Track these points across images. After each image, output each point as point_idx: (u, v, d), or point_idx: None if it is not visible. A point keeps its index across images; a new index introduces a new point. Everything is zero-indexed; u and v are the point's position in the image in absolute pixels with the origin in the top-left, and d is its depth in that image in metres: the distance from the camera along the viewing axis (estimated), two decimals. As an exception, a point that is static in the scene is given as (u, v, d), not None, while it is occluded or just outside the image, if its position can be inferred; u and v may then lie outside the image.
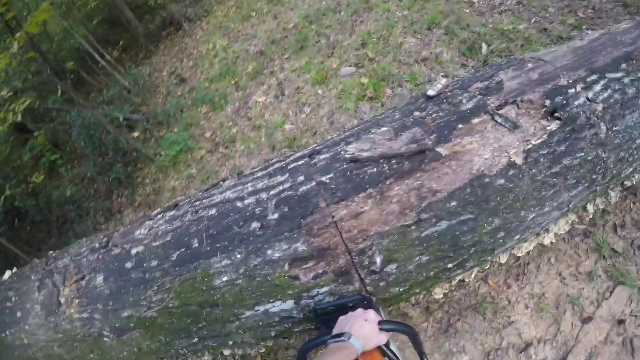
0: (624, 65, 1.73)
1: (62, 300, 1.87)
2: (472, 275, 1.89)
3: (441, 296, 2.01)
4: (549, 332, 2.25)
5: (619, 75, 1.70)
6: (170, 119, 5.58)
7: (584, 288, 2.36)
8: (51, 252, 2.20)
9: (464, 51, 3.93)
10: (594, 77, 1.66)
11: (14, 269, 2.35)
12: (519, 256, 2.51)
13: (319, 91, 4.37)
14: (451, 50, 4.03)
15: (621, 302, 2.24)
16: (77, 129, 4.73)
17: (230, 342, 1.74)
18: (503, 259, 1.84)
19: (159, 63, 7.64)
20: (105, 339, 1.77)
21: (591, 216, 2.33)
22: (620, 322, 2.17)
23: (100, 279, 1.73)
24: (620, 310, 2.22)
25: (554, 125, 1.49)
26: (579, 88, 1.60)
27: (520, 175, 1.43)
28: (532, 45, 3.80)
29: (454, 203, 1.40)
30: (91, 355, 1.86)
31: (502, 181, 1.42)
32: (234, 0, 9.87)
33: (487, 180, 1.42)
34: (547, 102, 1.53)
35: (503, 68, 1.76)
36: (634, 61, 1.76)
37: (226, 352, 1.91)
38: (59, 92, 5.00)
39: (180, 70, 6.91)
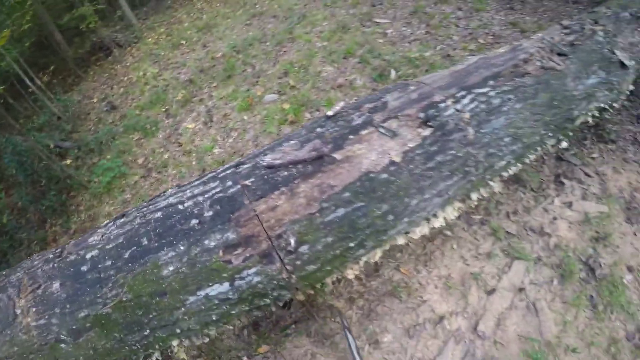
0: (491, 82, 2.37)
1: (18, 311, 2.04)
2: (377, 257, 2.33)
3: (353, 277, 2.43)
4: (458, 305, 2.67)
5: (485, 90, 2.32)
6: (102, 146, 5.64)
7: (484, 266, 2.85)
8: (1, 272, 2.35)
9: (374, 77, 4.51)
10: (463, 93, 2.24)
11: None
12: (425, 245, 3.02)
13: (245, 117, 4.72)
14: (364, 77, 4.59)
15: (519, 273, 2.78)
16: (9, 156, 4.70)
17: (178, 330, 2.04)
18: (400, 240, 2.30)
19: (88, 89, 7.63)
20: (62, 344, 1.96)
21: (476, 204, 2.90)
22: (521, 289, 2.68)
23: (56, 285, 1.96)
24: (520, 281, 2.74)
25: (427, 132, 2.02)
26: (449, 102, 2.16)
27: (400, 171, 1.93)
28: (436, 70, 4.45)
29: (347, 194, 1.87)
30: (47, 365, 2.00)
31: (385, 175, 1.91)
32: (165, 27, 10.06)
33: (373, 175, 1.90)
34: (422, 115, 2.07)
35: (390, 91, 2.29)
36: (502, 78, 2.39)
37: (174, 342, 2.19)
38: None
39: (110, 97, 6.97)
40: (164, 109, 5.84)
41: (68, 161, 5.66)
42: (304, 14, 6.76)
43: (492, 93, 2.29)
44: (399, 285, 2.85)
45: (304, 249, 1.86)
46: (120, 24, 9.85)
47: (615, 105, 3.42)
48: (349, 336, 2.46)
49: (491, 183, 2.48)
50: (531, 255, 2.88)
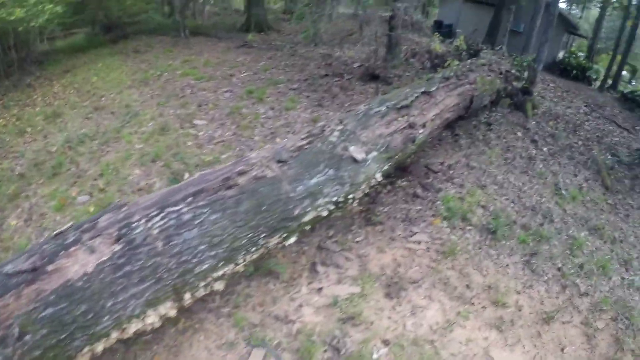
0: (189, 199, 3.11)
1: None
2: (101, 347, 2.80)
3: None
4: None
5: (178, 207, 3.08)
6: None
7: (226, 355, 3.33)
8: None
9: (170, 181, 5.24)
10: (156, 212, 3.03)
11: None
12: (177, 337, 3.46)
13: (58, 217, 5.13)
14: (162, 181, 5.33)
15: (258, 360, 3.29)
16: None
17: None
18: (114, 335, 2.82)
19: None
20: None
21: (226, 298, 3.56)
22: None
23: None
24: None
25: (118, 247, 2.91)
26: (142, 221, 3.03)
27: (93, 279, 2.74)
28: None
29: (54, 297, 2.65)
30: None
31: (81, 283, 2.73)
32: (18, 109, 10.16)
33: (73, 283, 2.71)
34: (116, 233, 2.96)
35: (105, 212, 3.15)
36: (203, 193, 3.16)
37: None
38: None
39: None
40: (-6, 202, 5.89)
41: None
42: (137, 113, 7.61)
43: (184, 209, 3.03)
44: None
45: (27, 337, 2.56)
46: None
47: (354, 197, 4.05)
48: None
49: (201, 283, 3.04)
50: (272, 342, 3.41)
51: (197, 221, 3.01)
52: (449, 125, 7.16)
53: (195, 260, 2.99)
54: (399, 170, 5.89)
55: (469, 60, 8.18)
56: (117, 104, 8.39)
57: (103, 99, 9.09)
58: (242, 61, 11.02)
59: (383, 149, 4.48)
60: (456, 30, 16.84)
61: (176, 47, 12.92)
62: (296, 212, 3.49)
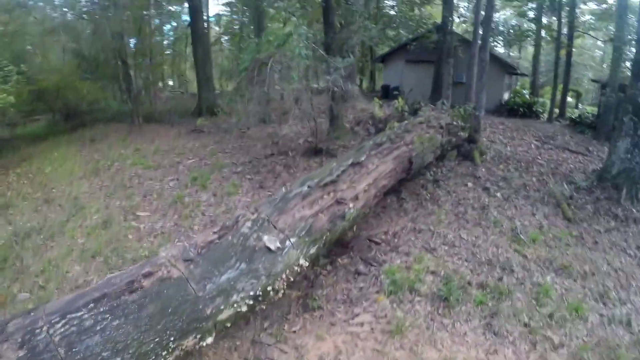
0: (91, 305, 2.97)
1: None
2: None
3: None
4: None
5: (80, 314, 2.91)
6: None
7: None
8: None
9: (107, 275, 5.62)
10: (58, 318, 2.87)
11: None
12: None
13: None
14: (100, 277, 5.47)
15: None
16: None
17: None
18: None
19: None
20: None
21: None
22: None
23: None
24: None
25: (22, 353, 2.79)
26: (45, 327, 2.95)
27: None
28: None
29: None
30: None
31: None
32: None
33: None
34: (20, 339, 2.93)
35: (16, 316, 3.15)
36: (105, 299, 3.14)
37: None
38: None
39: None
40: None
41: None
42: (83, 206, 8.07)
43: (85, 315, 2.93)
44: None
45: None
46: None
47: (275, 288, 3.84)
48: None
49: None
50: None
51: (99, 327, 2.97)
52: (393, 190, 7.06)
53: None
54: (339, 247, 5.85)
55: (405, 122, 8.18)
56: (66, 196, 8.81)
57: (54, 190, 9.50)
58: (190, 147, 11.81)
59: (304, 232, 4.34)
60: (404, 90, 17.76)
61: (130, 135, 13.68)
62: (208, 311, 3.38)
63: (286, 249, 4.12)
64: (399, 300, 4.79)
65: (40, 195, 9.47)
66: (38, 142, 14.76)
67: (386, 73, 24.10)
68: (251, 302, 3.70)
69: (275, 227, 4.20)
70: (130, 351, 3.01)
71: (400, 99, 11.17)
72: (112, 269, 5.85)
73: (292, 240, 4.21)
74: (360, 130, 12.35)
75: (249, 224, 4.14)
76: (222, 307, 3.48)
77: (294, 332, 4.38)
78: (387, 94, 19.03)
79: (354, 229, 5.96)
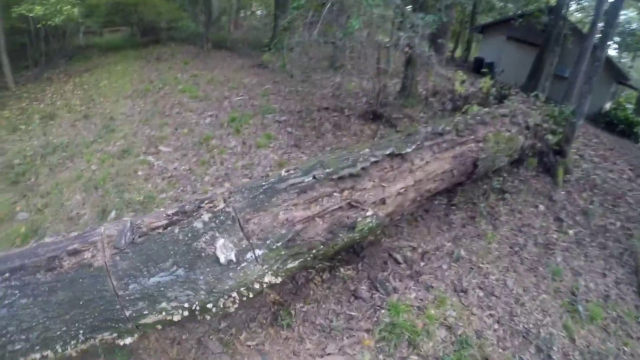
0: (6, 275, 2.68)
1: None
2: None
3: None
4: None
5: None
6: None
7: None
8: None
9: (97, 215, 5.18)
10: None
11: None
12: None
13: None
14: (91, 214, 5.26)
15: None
16: None
17: None
18: None
19: None
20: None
21: None
22: None
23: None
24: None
25: None
26: None
27: None
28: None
29: None
30: None
31: None
32: (27, 102, 10.61)
33: None
34: None
35: None
36: (21, 271, 2.70)
37: None
38: None
39: None
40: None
41: None
42: (114, 129, 7.78)
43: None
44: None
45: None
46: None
47: (217, 306, 2.95)
48: None
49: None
50: None
51: (7, 301, 2.65)
52: (445, 191, 5.49)
53: (4, 339, 2.62)
54: (348, 252, 4.61)
55: (484, 110, 6.44)
56: (105, 115, 8.60)
57: (97, 106, 9.38)
58: (246, 82, 10.98)
59: (281, 242, 3.17)
60: (497, 69, 15.88)
61: (195, 59, 13.14)
62: (127, 313, 2.77)
63: (244, 264, 3.01)
64: (388, 353, 3.57)
65: (84, 109, 9.40)
66: (109, 53, 14.87)
67: (483, 45, 21.80)
68: (186, 314, 2.90)
69: (242, 228, 3.10)
70: (36, 333, 2.70)
71: (487, 78, 8.99)
72: (103, 209, 5.39)
73: (258, 252, 3.08)
74: (435, 102, 10.39)
75: (207, 217, 3.09)
76: (145, 312, 2.82)
77: (248, 346, 3.53)
78: (480, 67, 16.88)
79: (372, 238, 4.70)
